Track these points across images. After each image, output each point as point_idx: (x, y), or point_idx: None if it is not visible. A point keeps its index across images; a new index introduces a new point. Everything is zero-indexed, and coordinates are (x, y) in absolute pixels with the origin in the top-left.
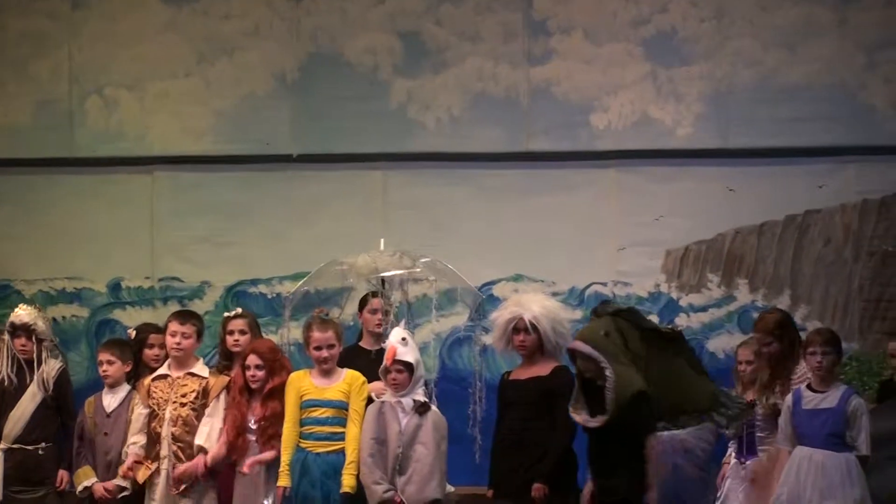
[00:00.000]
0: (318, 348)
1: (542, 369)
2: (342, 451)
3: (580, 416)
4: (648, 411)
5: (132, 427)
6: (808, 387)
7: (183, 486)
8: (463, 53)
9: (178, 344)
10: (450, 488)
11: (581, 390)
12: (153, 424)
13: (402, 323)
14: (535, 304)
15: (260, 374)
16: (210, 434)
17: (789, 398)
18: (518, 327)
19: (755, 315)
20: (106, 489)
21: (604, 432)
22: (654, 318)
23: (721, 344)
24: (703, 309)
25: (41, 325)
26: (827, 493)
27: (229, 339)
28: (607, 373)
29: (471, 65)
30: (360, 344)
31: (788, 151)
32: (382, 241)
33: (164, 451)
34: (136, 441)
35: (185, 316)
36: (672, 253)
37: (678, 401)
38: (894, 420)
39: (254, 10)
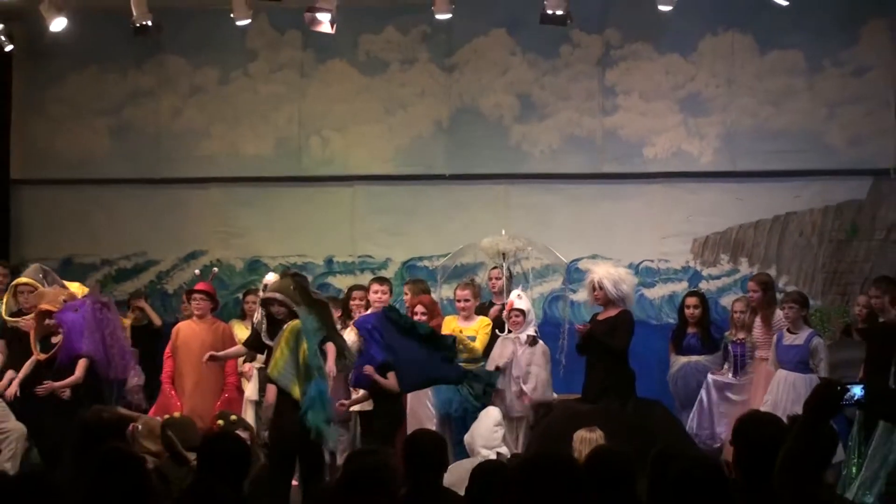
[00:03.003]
0: (458, 301)
1: (612, 313)
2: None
3: (270, 341)
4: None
5: None
6: (788, 330)
7: None
8: (558, 108)
9: (380, 298)
10: (553, 396)
11: (268, 328)
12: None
13: (520, 287)
14: (601, 270)
15: (424, 318)
16: None
17: (776, 337)
18: (593, 286)
19: None
20: None
21: None
22: (685, 285)
23: (729, 301)
24: (718, 278)
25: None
26: (796, 402)
27: (405, 297)
28: (298, 312)
29: (564, 116)
30: (493, 300)
31: (776, 173)
32: (504, 230)
33: None
34: None
35: (382, 280)
36: (697, 240)
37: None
38: (845, 353)
39: (420, 79)
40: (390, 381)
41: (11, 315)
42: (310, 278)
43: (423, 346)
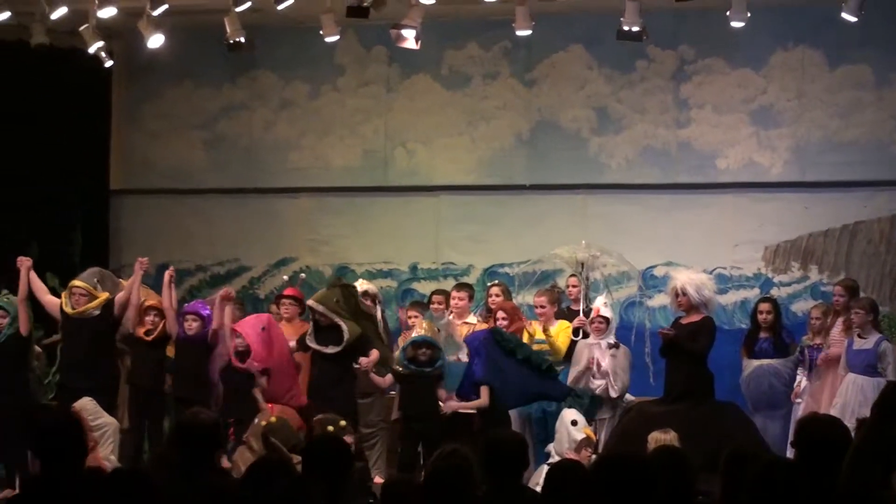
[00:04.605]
0: (536, 307)
1: (695, 318)
2: None
3: (316, 345)
4: (365, 346)
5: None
6: (858, 335)
7: None
8: (634, 121)
9: (457, 304)
10: (630, 398)
11: (314, 331)
12: None
13: (605, 294)
14: (683, 276)
15: (504, 322)
16: None
17: (847, 342)
18: (676, 292)
19: (822, 289)
20: None
21: (337, 357)
22: (756, 292)
23: (800, 307)
24: (788, 284)
25: (373, 290)
26: (864, 404)
27: (489, 300)
28: (340, 323)
29: (640, 128)
30: (572, 307)
31: (844, 184)
32: (584, 242)
33: None
34: None
35: (461, 287)
36: (769, 248)
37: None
38: None
39: (502, 93)
40: (480, 399)
41: None
42: (395, 284)
43: (524, 366)
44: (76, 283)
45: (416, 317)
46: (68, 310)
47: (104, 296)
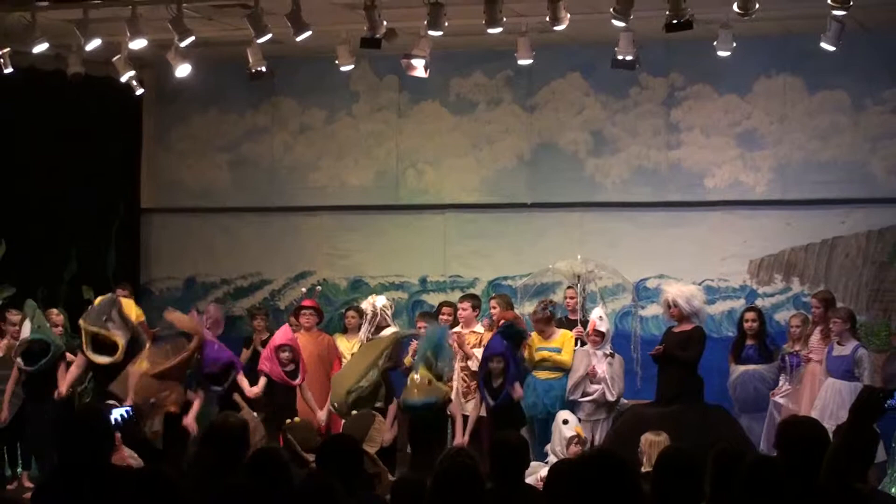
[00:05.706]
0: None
1: (686, 327)
2: (555, 379)
3: None
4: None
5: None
6: (837, 342)
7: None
8: (628, 143)
9: (460, 314)
10: (626, 402)
11: None
12: None
13: (601, 306)
14: (674, 289)
15: None
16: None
17: (827, 349)
18: (668, 304)
19: (803, 299)
20: None
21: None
22: (742, 302)
23: (782, 316)
24: (772, 295)
25: (382, 303)
26: (842, 407)
27: (492, 311)
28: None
29: (633, 150)
30: (569, 316)
31: (823, 201)
32: (579, 256)
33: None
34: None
35: (465, 298)
36: (753, 261)
37: None
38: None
39: (505, 118)
40: (517, 391)
41: None
42: (406, 296)
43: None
44: (90, 328)
45: (424, 327)
46: (98, 359)
47: (119, 341)
